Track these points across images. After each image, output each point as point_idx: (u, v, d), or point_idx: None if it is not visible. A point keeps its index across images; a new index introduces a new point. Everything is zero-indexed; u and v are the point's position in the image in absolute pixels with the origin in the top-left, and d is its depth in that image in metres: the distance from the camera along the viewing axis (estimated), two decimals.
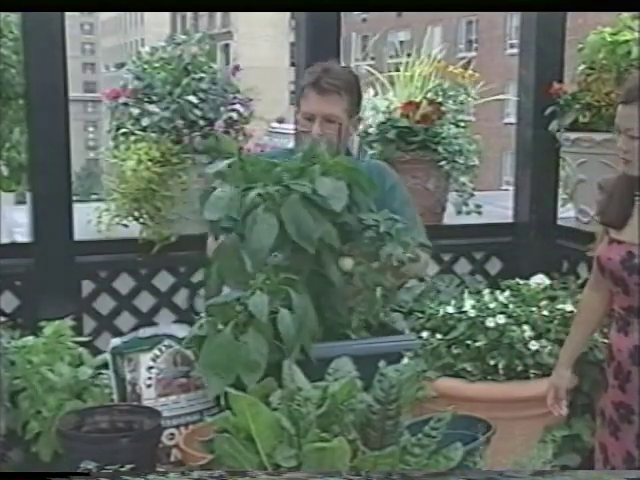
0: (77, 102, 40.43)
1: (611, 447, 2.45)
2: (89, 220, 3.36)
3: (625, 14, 3.61)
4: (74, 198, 3.40)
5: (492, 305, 3.00)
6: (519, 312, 2.98)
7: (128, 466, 1.59)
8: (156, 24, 43.95)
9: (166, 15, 47.74)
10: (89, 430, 1.85)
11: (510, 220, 4.05)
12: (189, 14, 48.34)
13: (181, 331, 2.08)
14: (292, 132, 3.03)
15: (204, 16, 48.32)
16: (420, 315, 3.09)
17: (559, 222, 3.98)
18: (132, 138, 3.30)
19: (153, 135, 3.29)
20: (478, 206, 3.94)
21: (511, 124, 4.51)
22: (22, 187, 3.67)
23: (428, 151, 3.80)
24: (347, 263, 2.03)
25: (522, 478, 1.47)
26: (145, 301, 3.46)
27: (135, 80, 3.38)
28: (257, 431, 1.51)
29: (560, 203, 4.01)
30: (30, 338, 2.14)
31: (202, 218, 2.03)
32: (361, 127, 3.62)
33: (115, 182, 3.32)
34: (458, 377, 2.90)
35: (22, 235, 3.58)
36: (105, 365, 2.07)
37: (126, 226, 3.37)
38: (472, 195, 3.93)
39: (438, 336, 2.97)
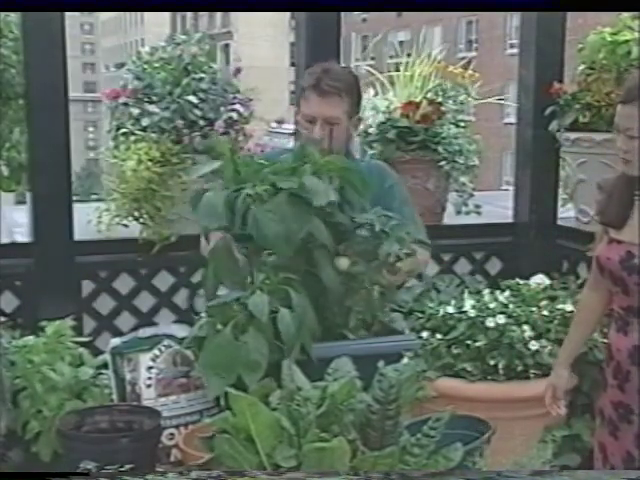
0: (77, 102, 40.41)
1: (610, 447, 2.46)
2: (89, 220, 3.36)
3: (625, 14, 3.61)
4: (74, 198, 3.40)
5: (492, 305, 3.00)
6: (519, 312, 2.98)
7: (128, 466, 1.60)
8: (156, 24, 43.93)
9: (166, 15, 47.73)
10: (89, 430, 1.85)
11: (510, 220, 4.05)
12: (189, 14, 48.32)
13: (181, 331, 2.08)
14: (292, 132, 3.03)
15: (204, 16, 48.30)
16: (420, 315, 3.09)
17: (559, 222, 3.98)
18: (132, 138, 3.31)
19: (153, 135, 3.30)
20: (477, 206, 3.94)
21: (511, 124, 4.51)
22: (22, 187, 3.67)
23: (428, 151, 3.80)
24: (343, 263, 2.03)
25: (521, 478, 1.47)
26: (145, 301, 3.46)
27: (135, 80, 3.38)
28: (257, 431, 1.51)
29: (560, 203, 4.01)
30: (30, 338, 2.14)
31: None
32: (361, 127, 3.62)
33: (115, 182, 3.32)
34: (458, 377, 2.90)
35: (22, 235, 3.58)
36: (105, 365, 2.07)
37: (126, 226, 3.37)
38: (472, 195, 3.94)
39: (438, 336, 2.97)
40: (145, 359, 2.02)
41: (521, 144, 4.01)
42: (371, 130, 3.83)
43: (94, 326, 3.35)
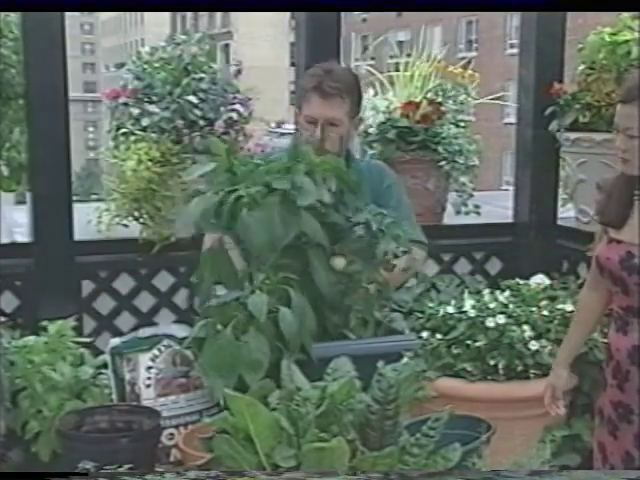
0: (77, 102, 40.41)
1: (610, 446, 2.45)
2: (89, 220, 3.36)
3: (625, 14, 3.61)
4: (74, 198, 3.40)
5: (492, 305, 3.00)
6: (519, 312, 2.98)
7: (127, 466, 1.60)
8: (156, 24, 43.94)
9: (166, 15, 47.74)
10: (89, 430, 1.85)
11: (510, 220, 4.05)
12: (189, 14, 48.33)
13: (181, 331, 2.08)
14: (292, 132, 3.03)
15: (204, 16, 48.31)
16: (420, 315, 3.09)
17: (559, 222, 3.99)
18: (132, 138, 3.31)
19: (153, 135, 3.30)
20: (477, 206, 3.94)
21: (511, 124, 4.51)
22: (22, 187, 3.68)
23: (428, 151, 3.80)
24: (339, 262, 2.03)
25: (520, 478, 1.47)
26: (145, 301, 3.46)
27: (135, 80, 3.38)
28: (256, 431, 1.51)
29: (560, 203, 4.01)
30: (31, 338, 2.14)
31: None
32: (361, 127, 3.62)
33: (115, 182, 3.32)
34: (458, 377, 2.90)
35: (22, 235, 3.58)
36: (105, 365, 2.07)
37: (126, 226, 3.37)
38: (471, 195, 3.94)
39: (438, 336, 2.97)
40: (145, 359, 2.02)
41: (521, 144, 4.01)
42: (371, 130, 3.84)
43: (94, 326, 3.35)
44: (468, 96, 3.98)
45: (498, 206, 4.44)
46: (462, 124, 3.91)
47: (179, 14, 48.18)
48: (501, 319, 2.92)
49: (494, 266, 3.96)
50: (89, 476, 1.58)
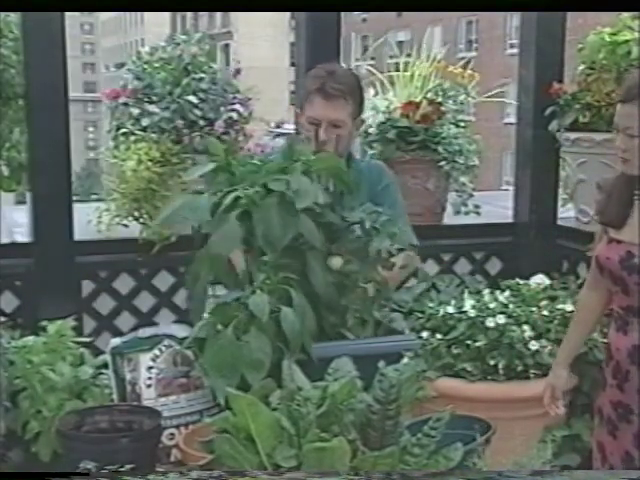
0: (77, 102, 40.41)
1: (609, 446, 2.45)
2: (89, 220, 3.36)
3: (625, 14, 3.61)
4: (74, 198, 3.40)
5: (492, 305, 3.00)
6: (519, 312, 2.98)
7: (128, 466, 1.60)
8: (156, 24, 43.93)
9: (166, 15, 47.73)
10: (89, 430, 1.85)
11: (510, 220, 4.05)
12: (189, 14, 48.33)
13: (181, 331, 2.08)
14: (292, 132, 3.03)
15: (204, 16, 48.30)
16: (420, 315, 3.08)
17: (559, 222, 3.98)
18: (132, 138, 3.31)
19: (153, 135, 3.30)
20: (477, 206, 3.94)
21: (511, 124, 4.51)
22: (22, 187, 3.67)
23: (428, 151, 3.80)
24: (336, 262, 2.04)
25: (521, 478, 1.47)
26: (145, 301, 3.46)
27: (135, 80, 3.38)
28: (257, 431, 1.51)
29: (560, 203, 4.01)
30: (30, 338, 2.14)
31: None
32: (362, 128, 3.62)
33: (115, 182, 3.32)
34: (458, 377, 2.90)
35: (22, 235, 3.58)
36: (105, 365, 2.07)
37: (126, 226, 3.37)
38: (471, 195, 3.94)
39: (438, 336, 2.96)
40: (145, 359, 2.02)
41: (521, 144, 4.01)
42: (371, 130, 3.83)
43: (94, 326, 3.35)
44: (468, 96, 3.98)
45: (498, 206, 4.44)
46: (462, 124, 3.90)
47: (179, 14, 48.19)
48: (501, 319, 2.91)
49: (494, 266, 3.96)
50: (90, 476, 1.58)
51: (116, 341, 2.07)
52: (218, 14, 47.24)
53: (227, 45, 42.43)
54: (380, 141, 3.81)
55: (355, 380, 1.62)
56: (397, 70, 3.99)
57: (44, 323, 2.17)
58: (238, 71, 3.60)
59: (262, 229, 1.93)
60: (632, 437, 2.38)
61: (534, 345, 2.89)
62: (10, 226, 3.81)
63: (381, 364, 1.64)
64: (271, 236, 1.92)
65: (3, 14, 3.45)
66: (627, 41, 3.49)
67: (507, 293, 3.11)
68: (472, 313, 2.96)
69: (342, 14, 3.65)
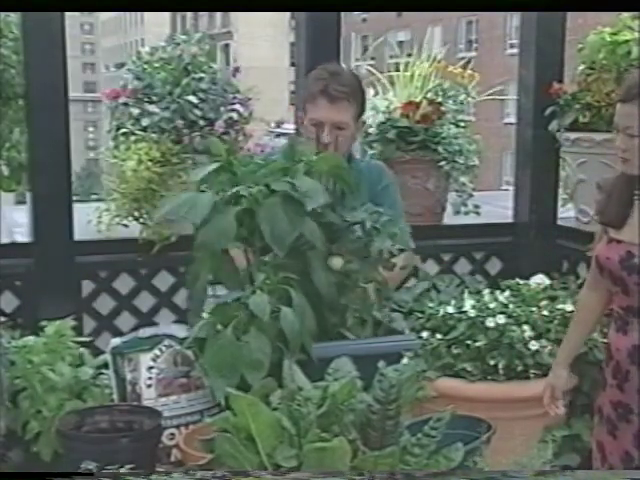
0: (77, 102, 40.41)
1: (609, 446, 2.46)
2: (89, 220, 3.36)
3: (625, 14, 3.61)
4: (74, 198, 3.40)
5: (492, 305, 3.00)
6: (519, 312, 2.98)
7: (128, 466, 1.60)
8: (156, 24, 43.92)
9: (166, 15, 47.73)
10: (89, 430, 1.85)
11: (510, 220, 4.05)
12: (189, 14, 48.33)
13: (181, 331, 2.08)
14: (292, 132, 3.03)
15: (204, 16, 48.30)
16: (420, 315, 3.08)
17: (559, 222, 3.98)
18: (132, 138, 3.31)
19: (153, 135, 3.30)
20: (477, 206, 3.94)
21: (511, 124, 4.51)
22: (22, 187, 3.67)
23: (428, 151, 3.80)
24: (337, 262, 2.04)
25: (525, 478, 1.47)
26: (145, 301, 3.46)
27: (135, 80, 3.38)
28: (257, 431, 1.51)
29: (560, 203, 4.01)
30: (31, 338, 2.14)
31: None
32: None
33: (115, 182, 3.32)
34: (458, 377, 2.90)
35: (22, 235, 3.58)
36: (105, 365, 2.07)
37: (126, 226, 3.37)
38: (471, 195, 3.94)
39: (438, 336, 2.97)
40: (145, 359, 2.02)
41: (521, 144, 4.01)
42: (371, 130, 3.83)
43: (94, 326, 3.35)
44: (468, 96, 3.98)
45: (498, 206, 4.44)
46: (462, 124, 3.90)
47: (179, 14, 48.19)
48: (501, 319, 2.92)
49: (494, 266, 3.96)
50: (93, 476, 1.58)
51: (116, 341, 2.07)
52: (218, 14, 47.25)
53: (227, 45, 42.43)
54: (380, 141, 3.81)
55: (355, 380, 1.62)
56: (397, 70, 3.99)
57: (44, 323, 2.17)
58: (237, 69, 3.59)
59: (269, 227, 1.92)
60: (632, 437, 2.38)
61: (534, 345, 2.89)
62: (10, 226, 3.81)
63: (381, 364, 1.64)
64: (279, 233, 1.92)
65: (3, 14, 3.45)
66: (627, 41, 3.49)
67: (507, 293, 3.12)
68: (472, 313, 2.96)
69: (342, 14, 3.65)
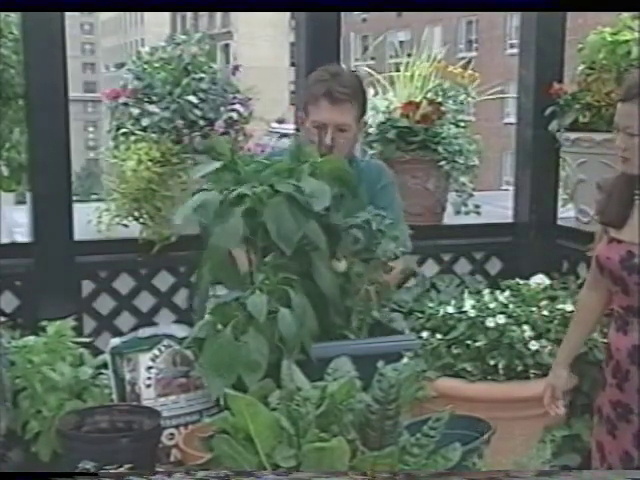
0: (77, 102, 40.43)
1: (608, 446, 2.45)
2: (89, 220, 3.36)
3: (625, 14, 3.61)
4: (74, 198, 3.40)
5: (492, 305, 3.00)
6: (519, 312, 2.98)
7: (128, 466, 1.60)
8: (156, 24, 43.94)
9: (166, 15, 47.74)
10: (89, 430, 1.85)
11: (510, 220, 4.05)
12: (189, 14, 48.34)
13: (181, 331, 2.08)
14: (292, 132, 3.03)
15: (204, 16, 48.31)
16: (420, 315, 3.08)
17: (559, 222, 3.98)
18: (132, 138, 3.30)
19: (153, 135, 3.29)
20: (477, 206, 3.94)
21: (511, 124, 4.50)
22: (22, 187, 3.67)
23: (428, 151, 3.80)
24: (341, 264, 2.04)
25: (526, 478, 1.47)
26: (145, 301, 3.46)
27: (135, 80, 3.38)
28: (256, 431, 1.51)
29: (560, 203, 4.01)
30: (31, 338, 2.14)
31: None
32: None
33: (115, 182, 3.32)
34: (458, 377, 2.90)
35: (22, 235, 3.58)
36: (105, 365, 2.08)
37: (126, 226, 3.37)
38: (471, 195, 3.94)
39: (438, 336, 2.97)
40: (145, 359, 2.02)
41: (521, 144, 4.01)
42: (371, 130, 3.83)
43: (94, 326, 3.35)
44: (468, 96, 3.98)
45: (498, 206, 4.44)
46: (462, 124, 3.90)
47: (179, 14, 48.19)
48: (501, 319, 2.91)
49: (494, 266, 3.96)
50: (93, 476, 1.58)
51: (116, 341, 2.07)
52: (218, 14, 47.25)
53: (227, 45, 42.45)
54: (380, 141, 3.81)
55: (354, 380, 1.62)
56: (397, 70, 3.99)
57: (44, 323, 2.17)
58: (237, 67, 3.59)
59: (275, 225, 1.92)
60: (631, 437, 2.38)
61: (534, 345, 2.89)
62: (10, 226, 3.81)
63: (380, 364, 1.63)
64: (285, 232, 1.92)
65: (3, 14, 3.45)
66: (627, 41, 3.49)
67: (507, 293, 3.12)
68: (472, 313, 2.96)
69: (342, 14, 3.64)
